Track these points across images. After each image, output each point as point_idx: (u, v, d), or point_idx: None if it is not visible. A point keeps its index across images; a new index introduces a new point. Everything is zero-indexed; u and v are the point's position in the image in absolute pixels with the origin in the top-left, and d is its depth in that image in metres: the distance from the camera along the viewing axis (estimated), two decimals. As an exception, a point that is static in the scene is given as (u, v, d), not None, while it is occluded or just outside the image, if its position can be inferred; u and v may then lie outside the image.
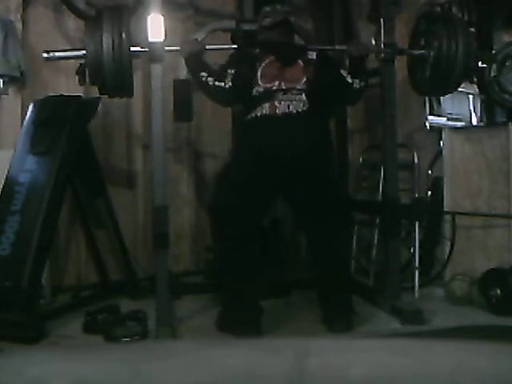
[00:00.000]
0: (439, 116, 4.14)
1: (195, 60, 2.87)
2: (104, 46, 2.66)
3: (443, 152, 3.65)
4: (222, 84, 2.85)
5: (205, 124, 4.22)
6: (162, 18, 2.85)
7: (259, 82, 2.84)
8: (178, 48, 2.90)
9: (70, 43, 3.71)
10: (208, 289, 3.56)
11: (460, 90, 3.46)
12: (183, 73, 3.78)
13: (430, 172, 3.84)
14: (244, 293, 2.81)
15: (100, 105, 3.61)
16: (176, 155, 4.11)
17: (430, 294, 3.46)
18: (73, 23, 3.80)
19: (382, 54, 3.16)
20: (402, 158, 3.54)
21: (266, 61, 2.87)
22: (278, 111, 2.78)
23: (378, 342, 0.80)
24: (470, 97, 4.26)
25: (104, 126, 3.90)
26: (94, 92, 3.83)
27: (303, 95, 2.81)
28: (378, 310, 3.16)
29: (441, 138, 3.70)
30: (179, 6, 4.05)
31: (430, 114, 4.03)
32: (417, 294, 3.34)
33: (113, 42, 2.67)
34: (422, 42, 3.10)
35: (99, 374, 0.71)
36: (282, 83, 2.82)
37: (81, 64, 2.78)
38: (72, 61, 3.78)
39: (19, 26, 3.55)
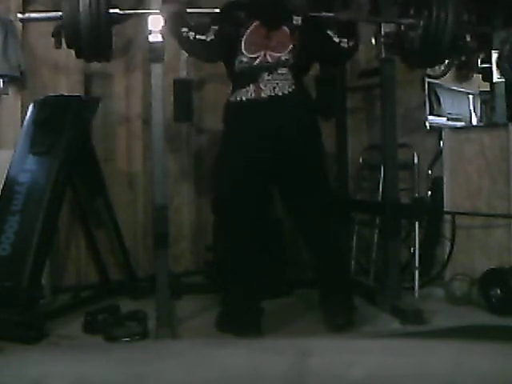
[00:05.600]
0: (439, 116, 4.14)
1: (176, 19, 2.86)
2: (81, 6, 2.57)
3: (443, 152, 3.65)
4: (204, 37, 2.85)
5: (205, 124, 4.21)
6: (162, 18, 2.85)
7: (243, 51, 2.80)
8: (158, 10, 2.84)
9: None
10: (208, 289, 3.56)
11: (460, 89, 3.46)
12: (183, 73, 3.78)
13: (430, 172, 3.84)
14: (244, 293, 2.82)
15: (100, 105, 3.61)
16: (176, 155, 4.11)
17: (430, 294, 3.45)
18: (73, 23, 3.79)
19: (383, 54, 3.16)
20: (401, 158, 3.54)
21: (251, 27, 2.84)
22: (263, 94, 2.75)
23: (378, 342, 0.80)
24: (470, 97, 4.26)
25: (104, 125, 3.90)
26: (94, 92, 3.86)
27: (289, 74, 2.77)
28: (378, 310, 3.16)
29: (441, 138, 3.70)
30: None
31: (430, 114, 4.02)
32: (417, 294, 3.34)
33: (90, 2, 2.58)
34: (412, 12, 3.07)
35: (99, 374, 0.71)
36: (267, 54, 2.78)
37: (57, 26, 2.66)
38: (72, 61, 3.78)
39: (19, 26, 3.54)
